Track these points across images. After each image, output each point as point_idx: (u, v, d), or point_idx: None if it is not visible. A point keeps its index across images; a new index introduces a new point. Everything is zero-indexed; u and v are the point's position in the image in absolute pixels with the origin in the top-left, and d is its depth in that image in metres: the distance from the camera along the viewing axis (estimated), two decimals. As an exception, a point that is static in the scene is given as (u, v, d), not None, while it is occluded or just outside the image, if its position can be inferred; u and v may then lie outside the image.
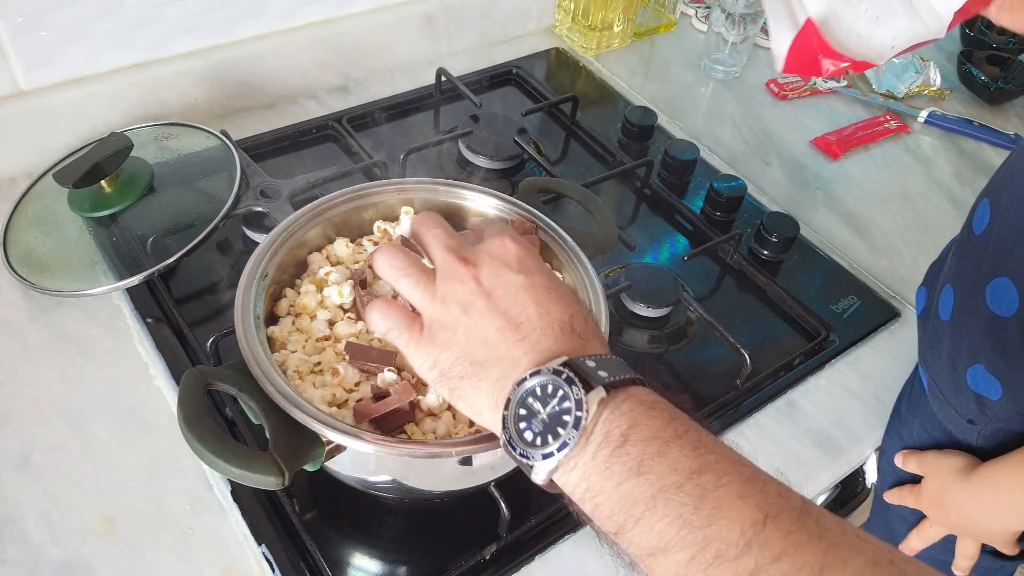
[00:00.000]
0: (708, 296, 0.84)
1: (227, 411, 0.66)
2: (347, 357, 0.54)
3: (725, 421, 0.72)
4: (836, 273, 0.87)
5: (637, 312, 0.78)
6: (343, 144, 0.92)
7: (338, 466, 0.53)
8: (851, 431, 0.73)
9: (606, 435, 0.38)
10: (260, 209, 0.75)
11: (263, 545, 0.59)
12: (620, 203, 0.93)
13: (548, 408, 0.40)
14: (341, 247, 0.62)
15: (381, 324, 0.47)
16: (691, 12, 1.23)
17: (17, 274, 0.69)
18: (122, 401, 0.66)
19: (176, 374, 0.68)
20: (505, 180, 0.91)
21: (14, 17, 0.74)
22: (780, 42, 0.65)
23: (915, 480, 0.72)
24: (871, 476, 0.87)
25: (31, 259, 0.70)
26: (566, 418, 0.39)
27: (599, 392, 0.39)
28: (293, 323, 0.58)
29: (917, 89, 1.15)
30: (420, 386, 0.52)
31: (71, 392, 0.66)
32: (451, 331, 0.44)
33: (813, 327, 0.80)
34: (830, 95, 1.13)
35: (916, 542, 0.74)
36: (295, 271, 0.61)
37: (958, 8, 0.55)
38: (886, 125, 1.08)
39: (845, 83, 1.13)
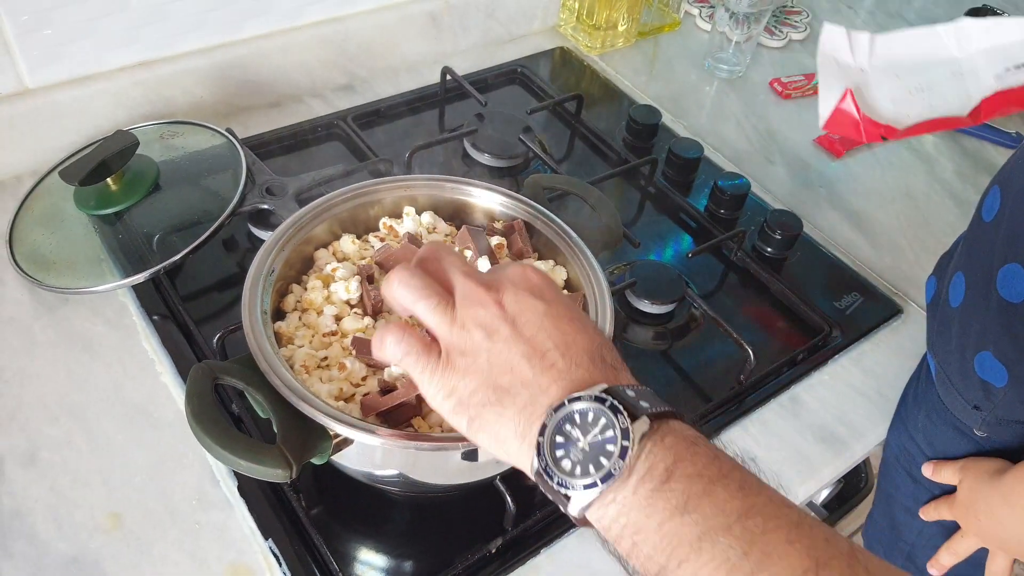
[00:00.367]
0: (712, 293, 0.84)
1: (233, 407, 0.66)
2: (354, 352, 0.54)
3: (729, 416, 0.72)
4: (839, 270, 0.87)
5: (642, 308, 0.78)
6: (349, 142, 0.92)
7: (345, 460, 0.53)
8: (854, 426, 0.74)
9: (649, 469, 0.37)
10: (266, 207, 0.75)
11: (270, 540, 0.59)
12: (625, 201, 0.93)
13: (589, 436, 0.38)
14: (347, 243, 0.63)
15: (396, 350, 0.43)
16: (695, 11, 1.24)
17: (23, 272, 0.69)
18: (128, 398, 0.67)
19: (182, 371, 0.68)
20: (510, 178, 0.92)
21: (20, 16, 0.75)
22: (826, 105, 0.76)
23: (948, 492, 0.71)
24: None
25: (37, 257, 0.71)
26: (610, 448, 0.37)
27: (643, 423, 0.37)
28: (300, 318, 0.58)
29: (920, 87, 1.15)
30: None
31: (78, 389, 0.67)
32: (472, 357, 0.42)
33: (816, 323, 0.80)
34: (833, 93, 1.13)
35: (946, 558, 0.72)
36: (301, 267, 0.62)
37: (986, 96, 0.58)
38: (888, 123, 1.08)
39: (848, 81, 1.13)
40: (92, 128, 0.84)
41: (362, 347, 0.53)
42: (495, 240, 0.64)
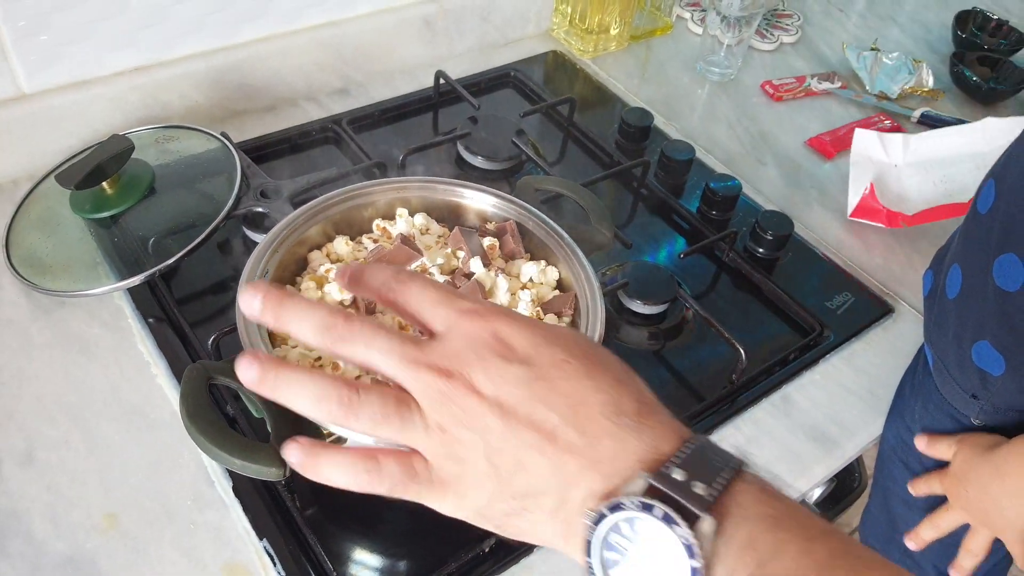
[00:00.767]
0: (704, 293, 0.85)
1: (228, 408, 0.66)
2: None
3: (721, 416, 0.73)
4: (830, 270, 0.88)
5: (634, 309, 0.79)
6: (343, 146, 0.93)
7: (338, 459, 0.53)
8: (845, 425, 0.74)
9: (731, 573, 0.32)
10: (260, 210, 0.76)
11: (264, 540, 0.60)
12: (617, 203, 0.94)
13: (640, 547, 0.33)
14: (341, 245, 0.63)
15: (379, 487, 0.37)
16: (687, 15, 1.25)
17: (20, 275, 0.70)
18: (124, 399, 0.67)
19: (178, 372, 0.69)
20: (503, 181, 0.92)
21: (16, 20, 0.75)
22: (854, 195, 0.92)
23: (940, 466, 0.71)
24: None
25: (33, 260, 0.71)
26: (679, 570, 0.31)
27: (708, 524, 0.31)
28: (294, 319, 0.58)
29: (910, 90, 1.16)
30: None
31: (74, 390, 0.67)
32: (470, 464, 0.35)
33: (808, 323, 0.81)
34: (825, 96, 1.14)
35: (927, 531, 0.72)
36: (295, 269, 0.62)
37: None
38: (880, 125, 1.09)
39: (840, 84, 1.14)
40: (88, 132, 0.84)
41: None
42: (487, 241, 0.64)
